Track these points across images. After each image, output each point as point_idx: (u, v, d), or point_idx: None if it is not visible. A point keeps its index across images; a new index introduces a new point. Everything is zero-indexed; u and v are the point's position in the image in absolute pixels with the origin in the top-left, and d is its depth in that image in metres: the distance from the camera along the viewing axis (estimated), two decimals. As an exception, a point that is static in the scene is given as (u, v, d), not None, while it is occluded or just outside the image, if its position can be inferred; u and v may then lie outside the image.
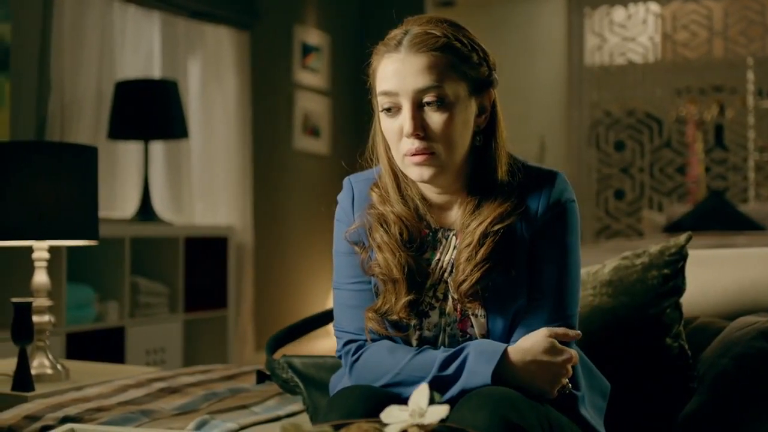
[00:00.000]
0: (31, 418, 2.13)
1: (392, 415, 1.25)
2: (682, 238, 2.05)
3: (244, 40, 5.58)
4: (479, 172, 1.70)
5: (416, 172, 1.64)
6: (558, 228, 1.67)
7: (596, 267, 2.12)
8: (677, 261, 2.03)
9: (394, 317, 1.68)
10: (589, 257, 2.43)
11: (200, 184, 5.25)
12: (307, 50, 6.23)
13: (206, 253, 4.78)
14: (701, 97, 6.55)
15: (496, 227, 1.65)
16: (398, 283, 1.67)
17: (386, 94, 1.64)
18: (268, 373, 2.13)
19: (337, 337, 1.76)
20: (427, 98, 1.62)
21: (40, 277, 2.74)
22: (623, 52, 6.57)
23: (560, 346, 1.61)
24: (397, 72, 1.63)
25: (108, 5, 4.69)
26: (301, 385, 2.04)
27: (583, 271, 2.14)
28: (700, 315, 2.20)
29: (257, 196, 5.65)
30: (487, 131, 1.71)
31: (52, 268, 3.72)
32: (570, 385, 1.65)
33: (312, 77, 6.29)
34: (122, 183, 4.80)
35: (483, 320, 1.67)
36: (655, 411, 1.94)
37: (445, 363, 1.60)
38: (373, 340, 1.71)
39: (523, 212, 1.67)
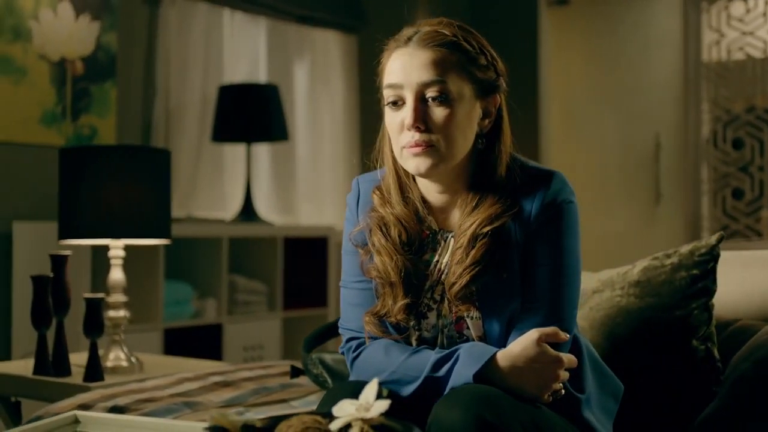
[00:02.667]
0: (84, 406, 2.25)
1: (343, 408, 1.28)
2: (714, 238, 2.00)
3: (352, 43, 5.67)
4: (479, 175, 1.71)
5: (413, 163, 1.66)
6: (552, 229, 1.66)
7: (626, 267, 2.09)
8: (707, 261, 1.98)
9: (393, 320, 1.70)
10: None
11: (307, 186, 5.35)
12: (417, 52, 6.27)
13: (307, 254, 4.88)
14: (828, 92, 6.27)
15: (486, 229, 1.64)
16: (395, 286, 1.69)
17: (391, 86, 1.67)
18: (302, 368, 2.19)
19: (341, 334, 1.79)
20: (430, 92, 1.64)
21: (116, 274, 2.88)
22: (741, 46, 6.35)
23: (552, 351, 1.58)
24: (403, 65, 1.66)
25: (215, 12, 4.86)
26: (329, 380, 2.09)
27: (614, 272, 2.11)
28: (742, 317, 2.14)
29: (365, 197, 5.71)
30: (491, 136, 1.72)
31: (150, 266, 3.91)
32: (563, 390, 1.63)
33: (423, 79, 6.32)
34: (231, 184, 4.96)
35: (479, 322, 1.67)
36: (675, 413, 1.91)
37: (438, 364, 1.61)
38: (374, 338, 1.73)
39: (517, 214, 1.66)
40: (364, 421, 1.24)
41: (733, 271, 2.18)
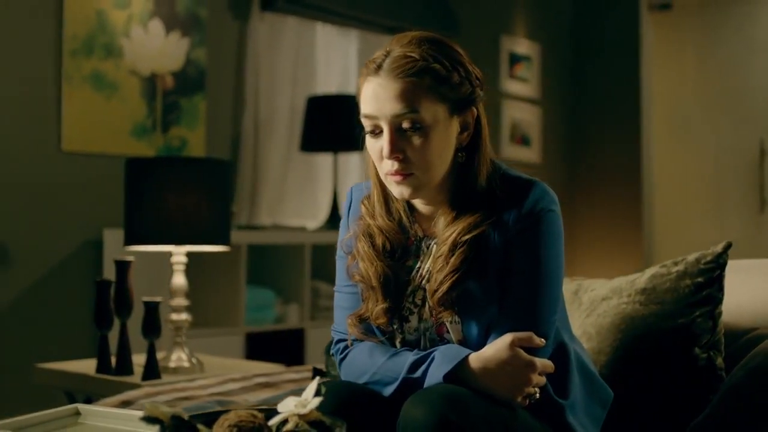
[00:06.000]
0: (127, 402, 2.39)
1: (285, 405, 1.36)
2: (720, 246, 1.99)
3: (445, 53, 5.72)
4: (461, 185, 1.74)
5: (397, 190, 1.72)
6: (530, 237, 1.69)
7: (636, 275, 2.10)
8: (713, 270, 1.97)
9: (375, 323, 1.77)
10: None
11: (397, 194, 5.42)
12: (515, 60, 6.29)
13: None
14: None
15: (465, 237, 1.69)
16: (376, 290, 1.75)
17: (367, 117, 1.70)
18: (323, 370, 2.27)
19: (332, 336, 1.87)
20: (404, 123, 1.66)
21: (178, 279, 3.03)
22: None
23: (525, 355, 1.62)
24: (376, 96, 1.68)
25: (306, 25, 5.00)
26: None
27: (624, 279, 2.12)
28: (761, 326, 2.11)
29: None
30: (470, 147, 1.75)
31: (232, 272, 4.07)
32: (538, 394, 1.65)
33: (521, 86, 6.34)
34: (320, 193, 5.09)
35: (458, 326, 1.72)
36: (672, 421, 1.91)
37: (414, 365, 1.67)
38: (356, 340, 1.80)
39: (497, 222, 1.70)
40: (300, 416, 1.32)
41: (755, 279, 2.16)
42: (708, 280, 1.97)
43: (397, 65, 1.67)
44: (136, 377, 2.87)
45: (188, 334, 3.84)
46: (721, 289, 1.98)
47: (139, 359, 3.01)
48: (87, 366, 3.03)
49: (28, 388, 3.51)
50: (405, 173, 1.69)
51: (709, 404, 1.86)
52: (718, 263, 1.98)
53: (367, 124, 1.71)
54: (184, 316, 3.03)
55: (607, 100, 6.56)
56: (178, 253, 3.02)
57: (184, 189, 2.93)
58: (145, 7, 4.25)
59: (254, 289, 4.30)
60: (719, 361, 1.94)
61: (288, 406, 1.35)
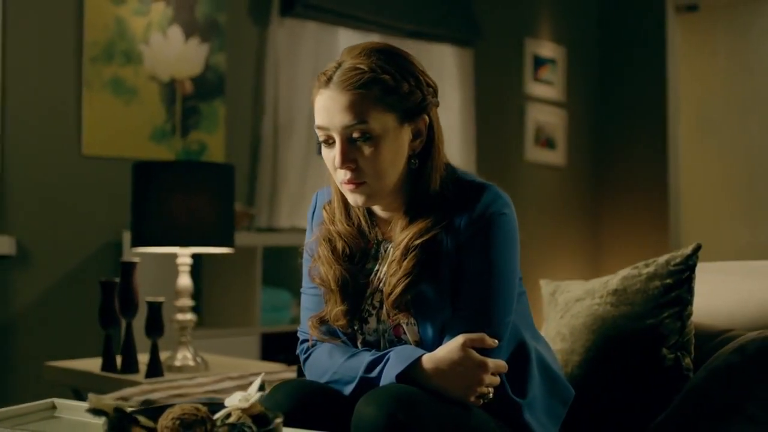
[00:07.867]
0: (123, 399, 2.47)
1: (232, 399, 1.42)
2: (690, 248, 2.02)
3: (468, 56, 5.76)
4: (416, 190, 1.79)
5: (351, 198, 1.77)
6: (481, 241, 1.73)
7: (609, 276, 2.13)
8: (682, 271, 2.00)
9: (334, 325, 1.83)
10: None
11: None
12: (539, 63, 6.30)
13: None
14: None
15: (417, 242, 1.74)
16: (335, 293, 1.81)
17: (320, 128, 1.76)
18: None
19: (298, 337, 1.93)
20: (354, 134, 1.71)
21: (184, 280, 3.10)
22: None
23: (476, 355, 1.66)
24: (326, 108, 1.73)
25: (325, 30, 5.06)
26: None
27: (597, 281, 2.15)
28: (737, 327, 2.13)
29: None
30: (423, 154, 1.79)
31: (248, 273, 4.15)
32: (491, 394, 1.69)
33: (546, 89, 6.35)
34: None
35: (414, 328, 1.77)
36: (635, 420, 1.94)
37: (371, 366, 1.72)
38: (317, 341, 1.86)
39: (448, 226, 1.74)
40: (243, 410, 1.38)
41: (733, 281, 2.18)
42: (677, 282, 2.00)
43: (345, 78, 1.72)
44: (140, 375, 2.95)
45: (203, 335, 3.94)
46: (690, 290, 2.00)
47: (144, 358, 3.09)
48: (94, 364, 3.11)
49: (43, 386, 3.61)
50: (357, 182, 1.73)
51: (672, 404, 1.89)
52: (688, 265, 2.01)
53: (320, 134, 1.76)
54: (188, 316, 3.10)
55: (633, 102, 6.54)
56: (183, 255, 3.09)
57: (189, 192, 3.01)
58: (164, 13, 4.35)
59: (271, 290, 4.37)
60: (687, 361, 1.96)
61: (233, 401, 1.41)
